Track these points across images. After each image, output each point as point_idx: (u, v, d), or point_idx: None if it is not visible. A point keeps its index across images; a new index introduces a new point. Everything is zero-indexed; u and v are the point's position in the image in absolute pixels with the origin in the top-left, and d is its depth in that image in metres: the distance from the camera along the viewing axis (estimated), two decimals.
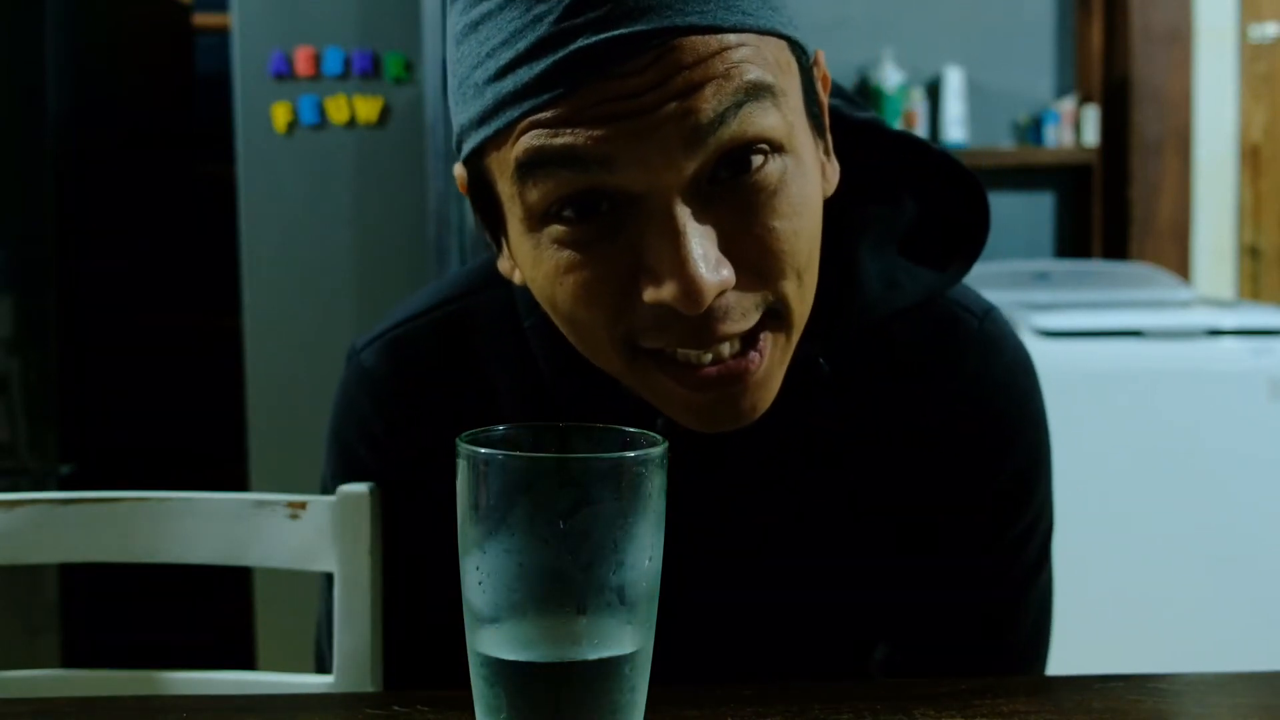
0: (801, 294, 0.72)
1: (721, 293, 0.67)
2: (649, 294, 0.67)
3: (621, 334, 0.71)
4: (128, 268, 2.68)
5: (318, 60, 2.38)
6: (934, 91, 3.13)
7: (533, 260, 0.71)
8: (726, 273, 0.67)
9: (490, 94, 0.68)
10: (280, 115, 2.39)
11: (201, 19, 3.04)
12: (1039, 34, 3.21)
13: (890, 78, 3.06)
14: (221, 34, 2.86)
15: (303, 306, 2.43)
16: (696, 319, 0.67)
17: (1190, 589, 2.36)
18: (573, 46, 0.64)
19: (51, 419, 2.40)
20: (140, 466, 2.69)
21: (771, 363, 0.72)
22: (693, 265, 0.65)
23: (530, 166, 0.67)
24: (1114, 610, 2.33)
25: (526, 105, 0.66)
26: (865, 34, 3.11)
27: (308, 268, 2.42)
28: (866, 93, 3.08)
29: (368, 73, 2.38)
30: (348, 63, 2.38)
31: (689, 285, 0.65)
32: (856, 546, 0.88)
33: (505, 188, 0.70)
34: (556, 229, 0.69)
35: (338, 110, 2.39)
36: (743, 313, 0.69)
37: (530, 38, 0.65)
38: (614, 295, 0.69)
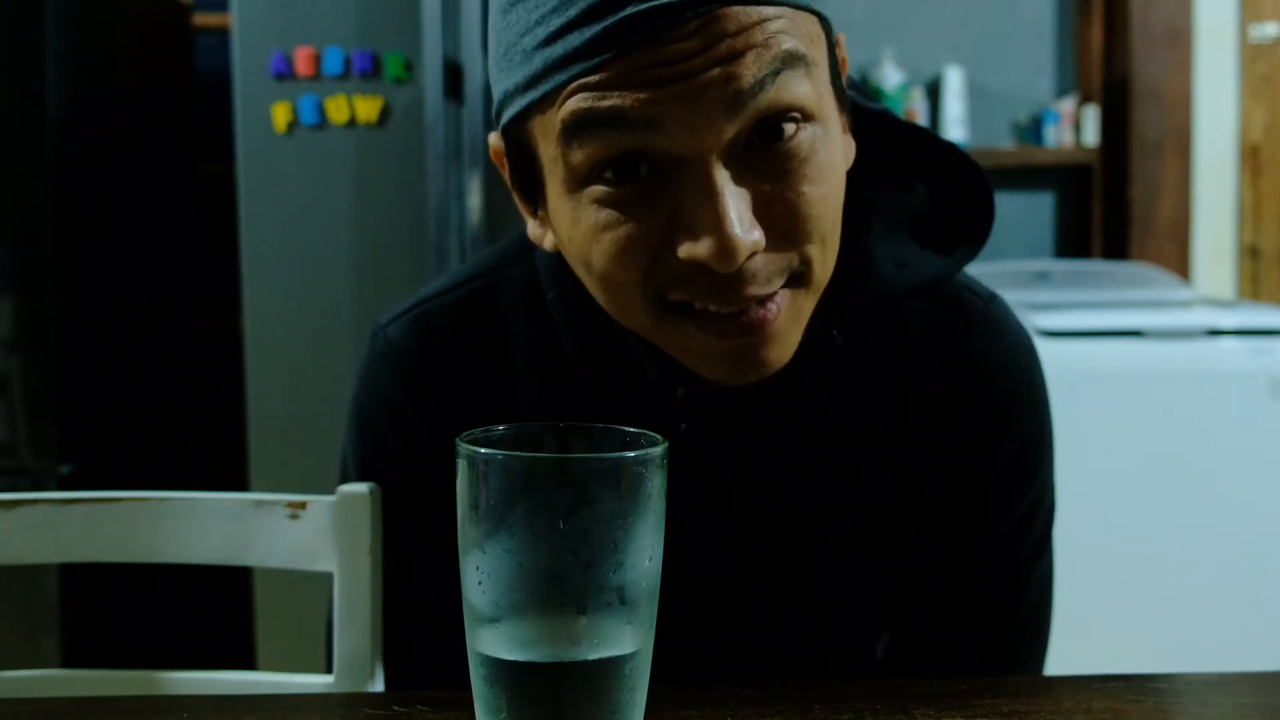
0: (824, 258, 0.74)
1: (752, 254, 0.70)
2: (685, 250, 0.70)
3: (652, 290, 0.73)
4: (128, 268, 2.68)
5: (318, 60, 2.38)
6: (934, 91, 3.13)
7: (571, 220, 0.74)
8: (758, 235, 0.70)
9: (539, 59, 0.70)
10: (280, 115, 2.39)
11: (201, 19, 3.04)
12: (1039, 34, 3.21)
13: (890, 78, 3.06)
14: (221, 34, 2.86)
15: (303, 307, 2.43)
16: (725, 278, 0.70)
17: (1190, 589, 2.36)
18: (622, 14, 0.67)
19: (51, 419, 2.40)
20: (140, 466, 2.69)
21: (788, 317, 0.75)
22: (729, 224, 0.68)
23: (576, 128, 0.70)
24: (1114, 610, 2.33)
25: (575, 69, 0.69)
26: (865, 34, 3.11)
27: (308, 268, 2.42)
28: (867, 92, 3.08)
29: (368, 73, 2.38)
30: (348, 63, 2.38)
31: (725, 243, 0.68)
32: (862, 524, 0.90)
33: (548, 150, 0.73)
34: (597, 189, 0.71)
35: (338, 110, 2.39)
36: (768, 278, 0.72)
37: (581, 5, 0.68)
38: (648, 253, 0.72)
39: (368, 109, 2.38)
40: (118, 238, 2.63)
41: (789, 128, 0.70)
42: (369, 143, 2.40)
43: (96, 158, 2.55)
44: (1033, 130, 3.14)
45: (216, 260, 2.91)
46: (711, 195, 0.69)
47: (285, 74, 2.38)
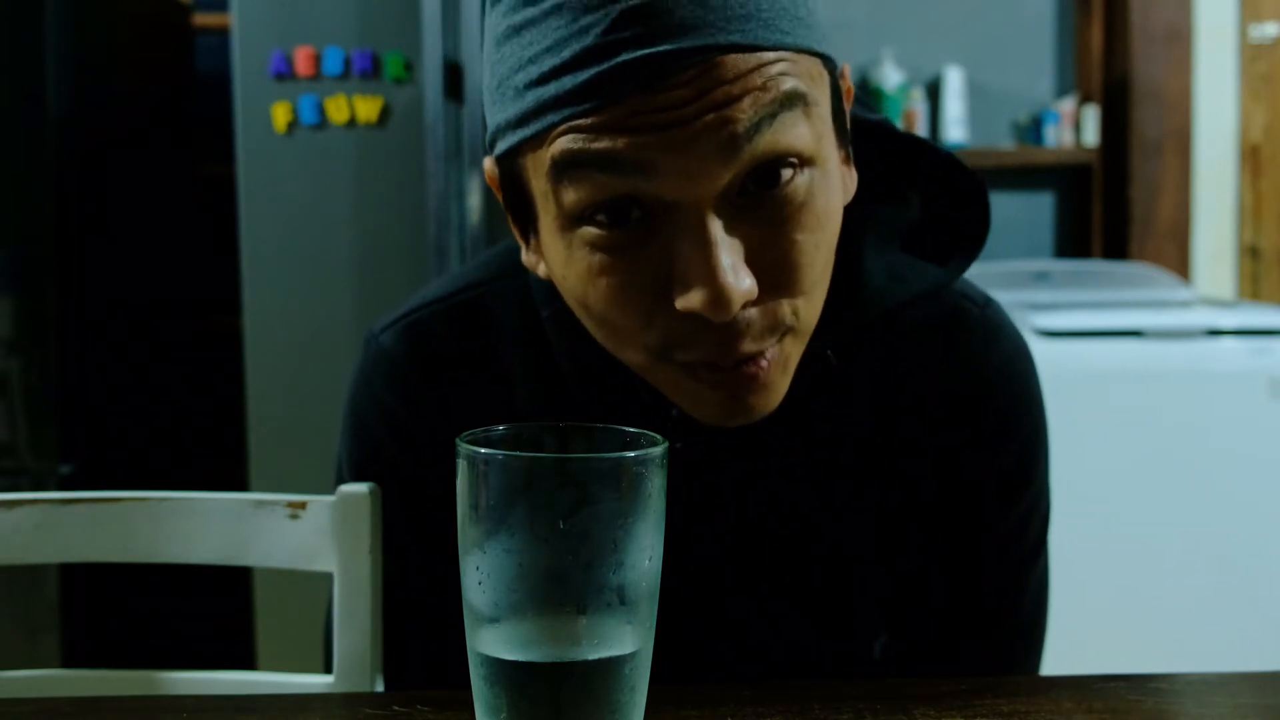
0: (811, 306, 0.74)
1: (746, 304, 0.69)
2: (680, 301, 0.69)
3: (656, 342, 0.73)
4: (128, 268, 2.68)
5: (318, 60, 2.38)
6: (934, 91, 3.13)
7: (565, 260, 0.73)
8: (750, 283, 0.68)
9: (531, 98, 0.69)
10: (280, 115, 2.39)
11: (201, 19, 3.04)
12: (1039, 34, 3.21)
13: (890, 78, 3.06)
14: (221, 34, 2.86)
15: (303, 307, 2.43)
16: (721, 331, 0.70)
17: (1190, 589, 2.36)
18: (617, 60, 0.65)
19: (51, 419, 2.40)
20: (140, 466, 2.69)
21: (777, 368, 0.74)
22: (722, 275, 0.67)
23: (566, 167, 0.68)
24: (1114, 610, 2.33)
25: (566, 112, 0.67)
26: (865, 34, 3.11)
27: (308, 268, 2.42)
28: (866, 93, 3.08)
29: (368, 73, 2.38)
30: (348, 63, 2.38)
31: (718, 294, 0.67)
32: (860, 531, 0.90)
33: (540, 186, 0.72)
34: (589, 232, 0.70)
35: (338, 110, 2.39)
36: (761, 333, 0.71)
37: (575, 47, 0.67)
38: (645, 300, 0.71)
39: (368, 109, 2.38)
40: (118, 238, 2.63)
41: (786, 173, 0.69)
42: (369, 143, 2.40)
43: (96, 158, 2.55)
44: (1033, 130, 3.14)
45: (216, 260, 2.91)
46: (704, 245, 0.67)
47: (285, 74, 2.38)
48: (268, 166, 2.40)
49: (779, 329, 0.72)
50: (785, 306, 0.72)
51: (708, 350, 0.71)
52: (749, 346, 0.71)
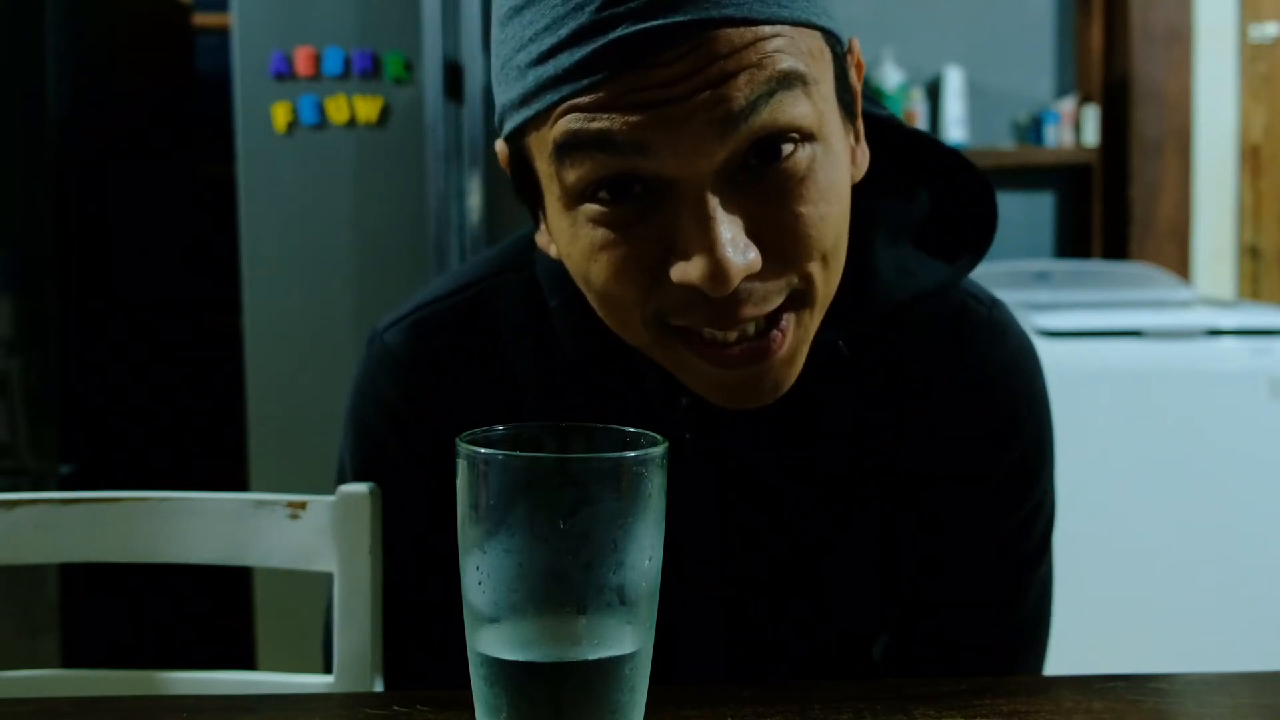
0: (826, 276, 0.73)
1: (748, 276, 0.69)
2: (678, 273, 0.69)
3: (651, 312, 0.73)
4: (128, 268, 2.68)
5: (318, 60, 2.38)
6: (934, 91, 3.13)
7: (569, 237, 0.74)
8: (753, 256, 0.69)
9: (531, 77, 0.70)
10: (280, 115, 2.39)
11: (201, 19, 3.04)
12: (1039, 34, 3.21)
13: (890, 78, 3.06)
14: (221, 34, 2.86)
15: (303, 306, 2.43)
16: (722, 301, 0.70)
17: (1190, 589, 2.36)
18: (612, 35, 0.66)
19: (51, 419, 2.40)
20: (140, 466, 2.69)
21: (794, 341, 0.74)
22: (721, 248, 0.67)
23: (567, 148, 0.69)
24: (1114, 610, 2.33)
25: (565, 90, 0.68)
26: (865, 34, 3.11)
27: (308, 268, 2.42)
28: (869, 90, 3.08)
29: (368, 73, 2.38)
30: (348, 63, 2.38)
31: (717, 268, 0.67)
32: (864, 528, 0.90)
33: (544, 166, 0.73)
34: (592, 208, 0.71)
35: (338, 110, 2.39)
36: (764, 296, 0.71)
37: (572, 25, 0.67)
38: (645, 273, 0.71)
39: (368, 109, 2.38)
40: (118, 238, 2.63)
41: (786, 147, 0.69)
42: (369, 143, 2.40)
43: (96, 158, 2.55)
44: (1033, 130, 3.14)
45: (216, 260, 2.91)
46: (703, 220, 0.68)
47: (285, 74, 2.38)
48: (268, 166, 2.40)
49: (782, 294, 0.72)
50: (793, 275, 0.71)
51: (704, 316, 0.71)
52: (750, 311, 0.71)
